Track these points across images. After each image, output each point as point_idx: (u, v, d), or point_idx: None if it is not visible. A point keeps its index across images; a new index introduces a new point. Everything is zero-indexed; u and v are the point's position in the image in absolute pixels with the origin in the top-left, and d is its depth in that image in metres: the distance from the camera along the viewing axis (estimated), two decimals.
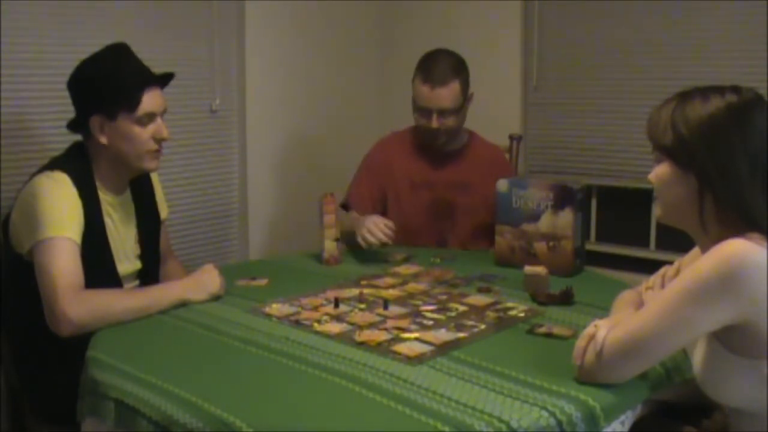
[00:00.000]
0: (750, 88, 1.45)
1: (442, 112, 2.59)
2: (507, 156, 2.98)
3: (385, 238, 2.40)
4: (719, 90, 1.43)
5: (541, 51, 3.33)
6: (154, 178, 2.32)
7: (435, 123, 2.59)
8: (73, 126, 2.11)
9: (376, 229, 2.40)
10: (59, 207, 1.96)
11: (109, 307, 1.89)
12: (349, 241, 2.52)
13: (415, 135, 2.76)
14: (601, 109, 3.21)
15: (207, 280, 2.06)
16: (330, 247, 2.43)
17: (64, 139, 2.21)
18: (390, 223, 2.43)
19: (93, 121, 2.04)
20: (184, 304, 1.99)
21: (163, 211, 2.35)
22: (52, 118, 2.51)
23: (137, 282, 2.19)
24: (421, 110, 2.63)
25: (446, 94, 2.58)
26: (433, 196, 2.72)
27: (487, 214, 2.65)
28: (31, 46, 2.53)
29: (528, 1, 3.33)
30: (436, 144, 2.67)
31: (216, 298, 2.05)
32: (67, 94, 2.12)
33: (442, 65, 2.60)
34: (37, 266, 1.92)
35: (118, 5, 2.73)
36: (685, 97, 1.45)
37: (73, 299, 1.86)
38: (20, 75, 2.50)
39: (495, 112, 3.32)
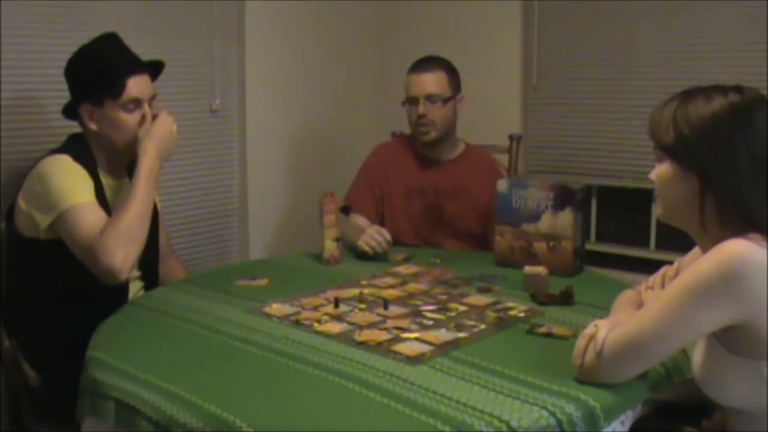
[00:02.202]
0: (753, 88, 1.44)
1: (429, 97, 2.63)
2: (507, 156, 2.98)
3: (379, 249, 2.45)
4: (722, 89, 1.43)
5: (541, 51, 3.33)
6: None
7: (421, 108, 2.62)
8: (68, 113, 2.15)
9: (371, 240, 2.45)
10: (70, 179, 2.01)
11: (130, 231, 1.96)
12: (350, 249, 2.55)
13: (411, 140, 2.77)
14: (601, 109, 3.21)
15: (164, 135, 2.10)
16: (330, 247, 2.43)
17: (63, 139, 2.21)
18: (387, 236, 2.47)
19: (83, 108, 2.10)
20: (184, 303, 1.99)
21: (158, 204, 2.36)
22: (52, 117, 2.51)
23: (139, 272, 2.20)
24: (410, 100, 2.67)
25: (431, 79, 2.64)
26: (424, 202, 2.74)
27: (477, 223, 2.69)
28: (31, 45, 2.52)
29: (528, 1, 3.33)
30: (425, 139, 2.67)
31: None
32: (66, 93, 2.14)
33: (429, 59, 2.71)
34: (65, 233, 1.96)
35: (118, 5, 2.73)
36: (687, 96, 1.45)
37: (106, 245, 1.92)
38: (20, 75, 2.50)
39: (495, 112, 3.32)
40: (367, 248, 2.45)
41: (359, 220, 2.68)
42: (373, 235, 2.46)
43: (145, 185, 2.04)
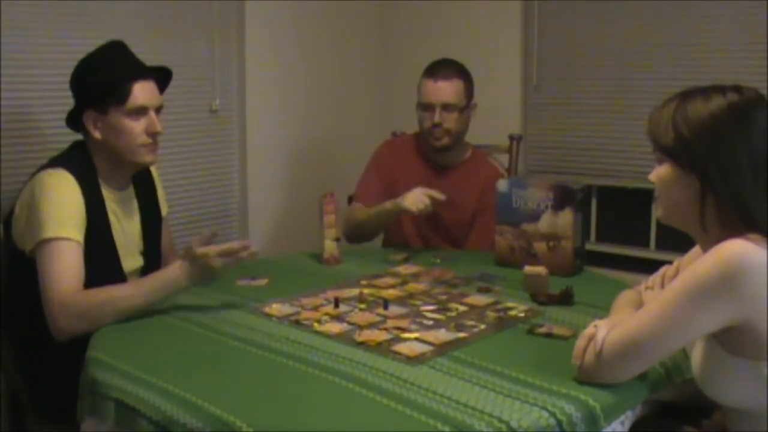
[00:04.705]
0: (751, 88, 1.44)
1: (445, 107, 2.61)
2: (507, 156, 2.99)
3: (425, 210, 2.43)
4: (721, 90, 1.43)
5: (541, 51, 3.33)
6: (155, 174, 2.32)
7: (437, 117, 2.60)
8: (72, 123, 2.11)
9: (419, 202, 2.43)
10: (61, 206, 1.95)
11: (99, 312, 1.87)
12: (356, 236, 2.55)
13: (419, 140, 2.77)
14: (601, 109, 3.21)
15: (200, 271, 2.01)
16: (330, 247, 2.43)
17: (64, 139, 2.21)
18: (435, 193, 2.45)
19: (87, 116, 2.05)
20: (186, 307, 1.97)
21: (164, 208, 2.35)
22: (52, 118, 2.50)
23: (141, 276, 2.19)
24: (424, 106, 2.64)
25: (449, 88, 2.62)
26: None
27: (470, 230, 2.70)
28: (31, 45, 2.52)
29: (528, 1, 3.33)
30: (437, 145, 2.66)
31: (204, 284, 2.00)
32: (66, 93, 2.12)
33: (447, 64, 2.68)
34: (38, 267, 1.92)
35: (118, 5, 2.73)
36: (686, 96, 1.45)
37: (62, 306, 1.86)
38: (20, 75, 2.50)
39: (495, 112, 3.31)
40: (415, 209, 2.42)
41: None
42: (420, 197, 2.43)
43: (152, 290, 1.92)
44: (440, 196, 2.45)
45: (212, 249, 1.92)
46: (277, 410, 1.41)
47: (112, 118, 2.03)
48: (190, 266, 1.92)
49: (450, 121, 2.62)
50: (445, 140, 2.65)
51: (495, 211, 2.40)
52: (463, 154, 2.75)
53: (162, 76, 2.15)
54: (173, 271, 1.93)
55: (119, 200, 2.14)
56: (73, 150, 2.12)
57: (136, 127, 2.04)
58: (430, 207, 2.44)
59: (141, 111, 2.05)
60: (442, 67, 2.65)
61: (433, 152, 2.71)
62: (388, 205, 2.51)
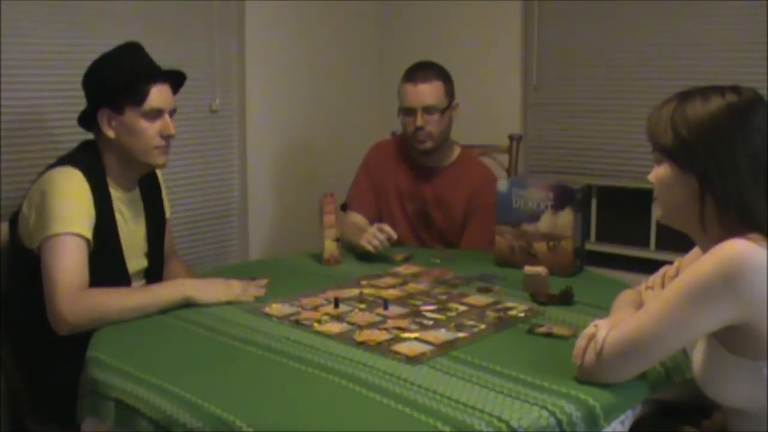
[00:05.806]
0: (750, 88, 1.45)
1: (426, 109, 2.61)
2: (507, 156, 2.99)
3: (381, 247, 2.43)
4: (719, 90, 1.43)
5: (541, 51, 3.33)
6: (160, 176, 2.32)
7: (419, 120, 2.60)
8: (84, 121, 2.12)
9: (374, 239, 2.44)
10: (70, 202, 1.96)
11: (106, 308, 1.89)
12: (351, 248, 2.55)
13: (405, 144, 2.76)
14: (601, 109, 3.21)
15: (220, 286, 2.04)
16: (330, 247, 2.43)
17: (64, 139, 2.22)
18: (391, 231, 2.45)
19: (101, 114, 2.05)
20: (188, 304, 1.98)
21: (168, 211, 2.35)
22: (52, 118, 2.51)
23: (143, 281, 2.20)
24: (406, 111, 2.64)
25: (429, 90, 2.61)
26: (415, 208, 2.75)
27: (464, 231, 2.71)
28: (31, 46, 2.52)
29: (528, 1, 3.33)
30: (421, 148, 2.66)
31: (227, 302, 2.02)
32: (66, 93, 2.12)
33: (425, 67, 2.67)
34: (42, 262, 1.92)
35: (118, 5, 2.73)
36: (685, 97, 1.45)
37: (70, 299, 1.86)
38: (20, 75, 2.50)
39: (495, 112, 3.32)
40: (370, 247, 2.44)
41: (357, 218, 2.68)
42: (375, 234, 2.45)
43: (153, 294, 1.97)
44: (393, 233, 2.44)
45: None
46: (277, 410, 1.41)
47: (127, 118, 2.04)
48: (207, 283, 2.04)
49: (432, 123, 2.62)
50: (429, 143, 2.65)
51: (489, 213, 2.41)
52: (450, 155, 2.75)
53: (176, 80, 2.16)
54: (184, 288, 2.00)
55: (126, 201, 2.14)
56: (82, 149, 2.12)
57: (151, 128, 2.06)
58: (387, 243, 2.44)
59: (157, 113, 2.06)
60: (420, 70, 2.64)
61: (419, 155, 2.71)
62: (356, 240, 2.50)
